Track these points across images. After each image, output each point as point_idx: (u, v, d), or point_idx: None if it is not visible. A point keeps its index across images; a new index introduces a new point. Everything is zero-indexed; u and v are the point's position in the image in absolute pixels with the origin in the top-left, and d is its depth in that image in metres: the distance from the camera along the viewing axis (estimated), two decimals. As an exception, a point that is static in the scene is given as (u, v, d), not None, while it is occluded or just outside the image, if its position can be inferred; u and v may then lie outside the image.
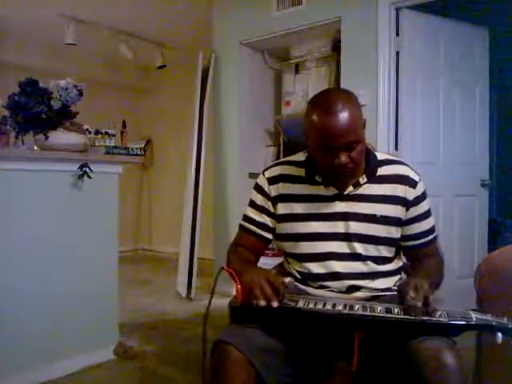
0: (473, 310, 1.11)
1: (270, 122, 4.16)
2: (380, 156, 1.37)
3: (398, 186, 1.32)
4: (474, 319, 1.05)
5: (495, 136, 3.89)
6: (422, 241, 1.37)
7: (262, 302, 1.10)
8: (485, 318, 1.05)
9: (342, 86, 3.16)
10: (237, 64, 3.86)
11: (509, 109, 3.95)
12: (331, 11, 3.27)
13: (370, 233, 1.30)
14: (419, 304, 1.06)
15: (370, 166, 1.32)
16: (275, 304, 1.10)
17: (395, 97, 3.05)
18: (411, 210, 1.33)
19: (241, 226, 1.45)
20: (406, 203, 1.32)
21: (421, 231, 1.36)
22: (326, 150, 1.22)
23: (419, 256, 1.37)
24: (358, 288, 1.30)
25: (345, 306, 1.12)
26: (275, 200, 1.38)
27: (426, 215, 1.36)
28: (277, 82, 4.18)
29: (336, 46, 3.50)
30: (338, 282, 1.30)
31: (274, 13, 3.60)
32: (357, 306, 1.12)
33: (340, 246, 1.31)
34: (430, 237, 1.38)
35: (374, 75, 3.05)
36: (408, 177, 1.34)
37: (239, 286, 1.14)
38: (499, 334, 1.02)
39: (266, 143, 4.13)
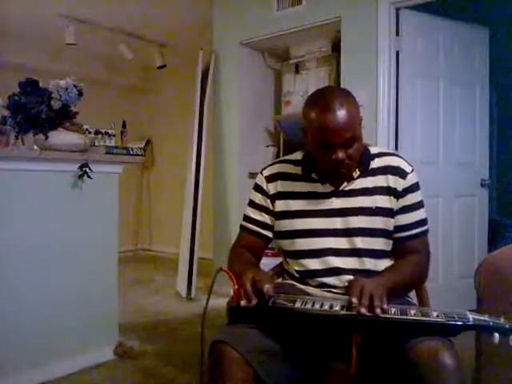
0: (470, 310, 1.11)
1: (270, 122, 4.17)
2: (373, 150, 1.38)
3: (390, 176, 1.33)
4: (471, 319, 1.05)
5: (495, 136, 3.89)
6: (409, 233, 1.33)
7: (243, 302, 1.10)
8: (482, 318, 1.05)
9: (341, 86, 3.16)
10: (237, 64, 3.86)
11: (509, 109, 3.95)
12: (331, 11, 3.27)
13: (368, 225, 1.30)
14: (363, 310, 1.05)
15: (362, 159, 1.33)
16: (253, 302, 1.10)
17: (395, 97, 3.05)
18: (400, 200, 1.32)
19: (241, 226, 1.47)
20: (396, 194, 1.32)
21: (407, 223, 1.33)
22: (323, 147, 1.24)
23: (404, 249, 1.34)
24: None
25: (342, 306, 1.12)
26: (273, 198, 1.39)
27: (414, 207, 1.34)
28: (277, 82, 4.18)
29: (336, 46, 3.50)
30: (336, 277, 1.30)
31: (274, 13, 3.60)
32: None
33: (338, 242, 1.31)
34: (417, 230, 1.34)
35: (374, 75, 3.05)
36: (398, 167, 1.34)
37: (236, 287, 1.15)
38: (496, 334, 1.02)
39: (266, 143, 4.13)
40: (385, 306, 1.07)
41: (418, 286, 1.42)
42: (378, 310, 1.05)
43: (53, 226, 2.18)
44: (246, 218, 1.44)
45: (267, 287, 1.11)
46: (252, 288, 1.12)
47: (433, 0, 2.91)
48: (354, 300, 1.07)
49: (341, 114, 1.19)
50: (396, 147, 3.04)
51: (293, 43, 3.79)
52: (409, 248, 1.35)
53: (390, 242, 1.35)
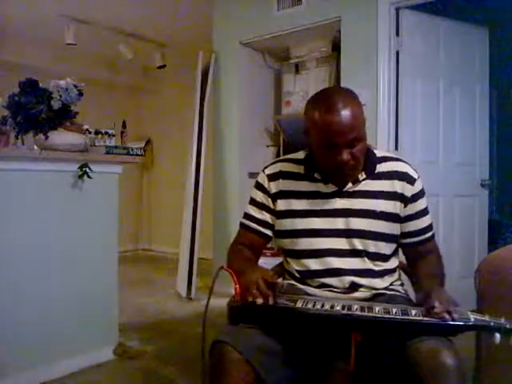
0: (471, 310, 1.11)
1: (270, 122, 4.17)
2: (379, 153, 1.38)
3: (397, 182, 1.33)
4: (472, 320, 1.05)
5: (495, 136, 3.89)
6: (421, 238, 1.37)
7: (260, 300, 1.10)
8: (483, 318, 1.05)
9: (341, 85, 3.16)
10: (237, 64, 3.86)
11: (509, 109, 3.96)
12: (331, 11, 3.27)
13: (370, 229, 1.30)
14: (446, 316, 1.06)
15: (368, 162, 1.33)
16: (271, 300, 1.11)
17: (395, 97, 3.05)
18: (409, 206, 1.34)
19: (241, 223, 1.46)
20: (403, 199, 1.33)
21: (420, 228, 1.36)
22: (327, 148, 1.23)
23: (419, 253, 1.38)
24: (357, 286, 1.29)
25: (343, 306, 1.12)
26: (275, 196, 1.39)
27: (424, 212, 1.36)
28: (277, 82, 4.18)
29: (336, 46, 3.51)
30: (336, 278, 1.29)
31: (274, 13, 3.60)
32: (355, 307, 1.12)
33: (339, 243, 1.31)
34: (429, 234, 1.38)
35: (374, 75, 3.05)
36: (406, 173, 1.34)
37: (237, 286, 1.15)
38: (497, 335, 1.02)
39: (266, 143, 4.13)
40: (458, 309, 1.08)
41: None
42: (456, 315, 1.06)
43: (53, 226, 2.18)
44: (247, 216, 1.44)
45: (280, 282, 1.12)
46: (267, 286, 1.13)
47: (433, 0, 2.91)
48: (438, 305, 1.07)
49: (345, 114, 1.19)
50: (396, 147, 3.04)
51: (293, 43, 3.79)
52: (423, 251, 1.37)
53: (393, 245, 1.36)
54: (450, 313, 1.06)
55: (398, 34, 3.03)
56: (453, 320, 1.05)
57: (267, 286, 1.12)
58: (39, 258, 2.12)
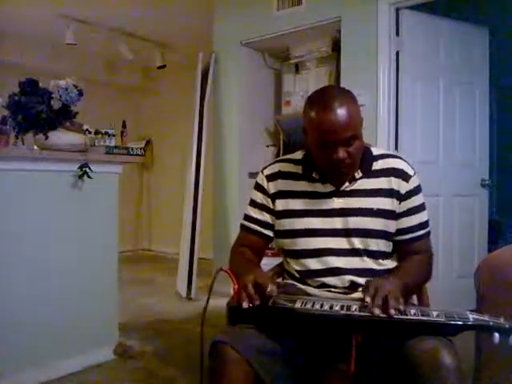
0: (470, 310, 1.11)
1: (270, 122, 4.17)
2: (375, 151, 1.38)
3: (392, 178, 1.33)
4: (471, 319, 1.05)
5: (495, 136, 3.88)
6: (411, 236, 1.35)
7: (245, 304, 1.10)
8: (482, 318, 1.05)
9: (341, 86, 3.15)
10: (237, 64, 3.86)
11: (509, 109, 3.95)
12: (331, 11, 3.27)
13: (368, 227, 1.30)
14: (376, 311, 1.04)
15: (364, 160, 1.33)
16: (256, 303, 1.10)
17: (395, 97, 3.05)
18: (403, 203, 1.33)
19: (242, 225, 1.46)
20: (399, 196, 1.32)
21: (410, 226, 1.34)
22: (324, 146, 1.23)
23: (408, 251, 1.35)
24: (357, 285, 1.29)
25: (342, 306, 1.12)
26: (274, 197, 1.39)
27: (417, 210, 1.35)
28: (277, 82, 4.18)
29: (336, 46, 3.51)
30: (336, 277, 1.29)
31: (274, 13, 3.60)
32: (354, 307, 1.12)
33: (338, 242, 1.31)
34: (420, 232, 1.36)
35: (374, 75, 3.05)
36: (402, 170, 1.34)
37: (236, 287, 1.15)
38: (496, 334, 1.01)
39: (266, 143, 4.13)
40: (401, 307, 1.05)
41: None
42: (393, 311, 1.04)
43: (53, 226, 2.18)
44: (247, 217, 1.44)
45: (270, 289, 1.11)
46: (254, 289, 1.12)
47: (433, 0, 2.91)
48: (368, 300, 1.06)
49: (341, 112, 1.20)
50: (396, 147, 3.04)
51: (293, 43, 3.79)
52: (412, 250, 1.35)
53: (390, 243, 1.35)
54: (386, 310, 1.04)
55: (398, 34, 3.03)
56: (389, 317, 1.03)
57: (256, 289, 1.12)
58: (39, 258, 2.12)
